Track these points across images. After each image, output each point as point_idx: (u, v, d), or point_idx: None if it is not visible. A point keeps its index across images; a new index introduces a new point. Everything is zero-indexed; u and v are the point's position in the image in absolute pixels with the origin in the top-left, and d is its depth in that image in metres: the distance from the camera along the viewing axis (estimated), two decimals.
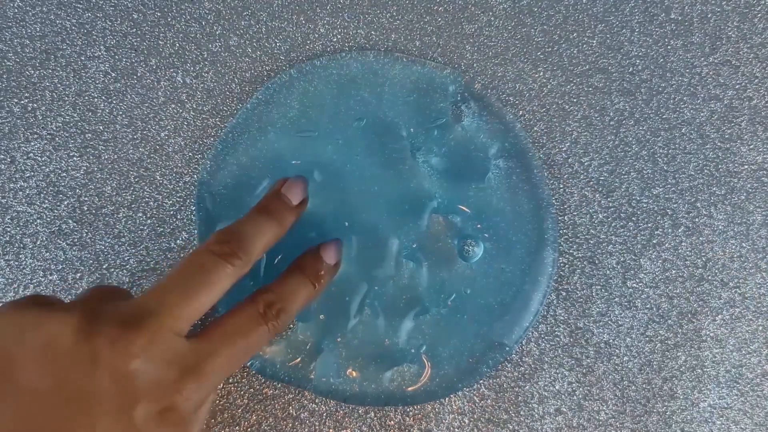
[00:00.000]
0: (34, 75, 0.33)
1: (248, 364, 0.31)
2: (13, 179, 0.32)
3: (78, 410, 0.20)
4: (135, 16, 0.33)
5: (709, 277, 0.34)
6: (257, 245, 0.26)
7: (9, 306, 0.22)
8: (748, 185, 0.34)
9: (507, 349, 0.32)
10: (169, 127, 0.33)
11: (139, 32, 0.33)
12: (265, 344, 0.27)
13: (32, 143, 0.33)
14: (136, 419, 0.21)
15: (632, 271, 0.34)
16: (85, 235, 0.32)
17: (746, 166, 0.35)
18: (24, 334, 0.21)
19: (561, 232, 0.34)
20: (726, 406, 0.33)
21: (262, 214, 0.27)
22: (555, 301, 0.33)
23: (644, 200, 0.34)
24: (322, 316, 0.31)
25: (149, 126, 0.33)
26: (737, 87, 0.35)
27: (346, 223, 0.32)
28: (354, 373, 0.31)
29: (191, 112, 0.33)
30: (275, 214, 0.27)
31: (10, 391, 0.20)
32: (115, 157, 0.33)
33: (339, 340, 0.31)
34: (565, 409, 0.33)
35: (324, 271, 0.29)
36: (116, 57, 0.33)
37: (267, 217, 0.27)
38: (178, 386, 0.22)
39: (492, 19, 0.34)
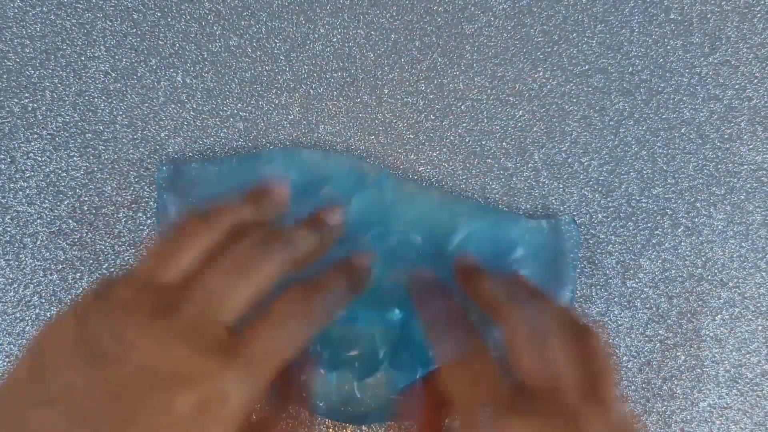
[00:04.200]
0: (34, 75, 0.33)
1: None
2: (13, 179, 0.32)
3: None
4: (135, 16, 0.33)
5: (709, 277, 0.34)
6: None
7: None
8: (748, 185, 0.34)
9: None
10: (169, 127, 0.33)
11: (139, 32, 0.33)
12: None
13: (32, 143, 0.33)
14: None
15: (632, 271, 0.34)
16: (85, 235, 0.32)
17: (746, 166, 0.35)
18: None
19: None
20: (725, 405, 0.33)
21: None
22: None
23: (644, 200, 0.34)
24: None
25: (149, 126, 0.33)
26: (737, 87, 0.35)
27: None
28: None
29: (191, 112, 0.33)
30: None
31: None
32: (115, 157, 0.33)
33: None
34: None
35: None
36: (116, 57, 0.33)
37: None
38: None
39: (492, 19, 0.35)
